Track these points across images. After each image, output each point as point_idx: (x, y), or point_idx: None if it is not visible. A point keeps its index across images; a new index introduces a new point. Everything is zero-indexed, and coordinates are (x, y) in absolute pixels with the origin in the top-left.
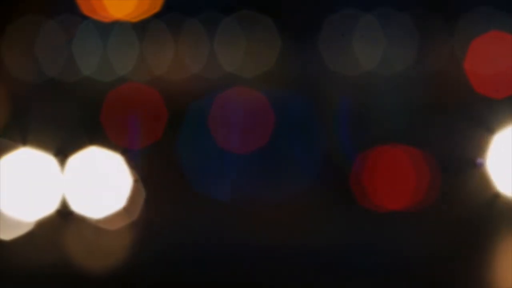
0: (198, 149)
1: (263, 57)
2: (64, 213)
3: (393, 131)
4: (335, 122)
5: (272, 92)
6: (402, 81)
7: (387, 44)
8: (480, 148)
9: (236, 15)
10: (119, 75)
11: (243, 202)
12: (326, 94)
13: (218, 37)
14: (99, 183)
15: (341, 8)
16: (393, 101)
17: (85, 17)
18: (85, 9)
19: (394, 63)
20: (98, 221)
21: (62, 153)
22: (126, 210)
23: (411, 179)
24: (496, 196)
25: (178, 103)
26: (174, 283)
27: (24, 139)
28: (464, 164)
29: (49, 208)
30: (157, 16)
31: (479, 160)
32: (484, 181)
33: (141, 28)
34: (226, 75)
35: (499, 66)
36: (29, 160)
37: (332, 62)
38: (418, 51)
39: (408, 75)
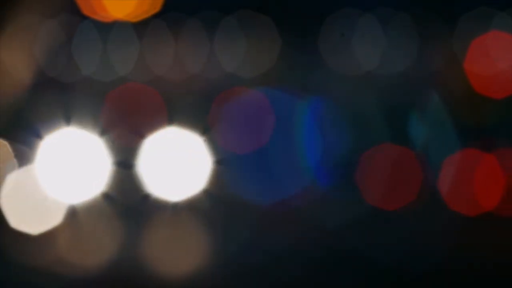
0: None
1: (263, 57)
2: (141, 197)
3: (393, 131)
4: (323, 123)
5: (272, 92)
6: (402, 81)
7: (387, 44)
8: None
9: (236, 15)
10: (119, 75)
11: (243, 202)
12: (326, 94)
13: (218, 37)
14: (178, 165)
15: (341, 8)
16: (393, 101)
17: (85, 17)
18: (85, 9)
19: (394, 63)
20: (177, 205)
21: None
22: (206, 193)
23: (410, 179)
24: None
25: (178, 103)
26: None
27: (67, 120)
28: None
29: (94, 190)
30: (157, 16)
31: None
32: None
33: (141, 28)
34: (226, 75)
35: (499, 66)
36: (73, 141)
37: (332, 62)
38: (418, 51)
39: (408, 75)
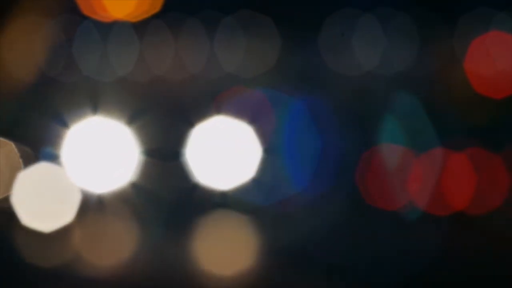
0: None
1: (263, 57)
2: (189, 187)
3: (392, 131)
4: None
5: (273, 92)
6: (402, 81)
7: (387, 44)
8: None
9: (236, 15)
10: (119, 75)
11: (244, 203)
12: (326, 94)
13: (218, 37)
14: (227, 153)
15: (341, 8)
16: (393, 101)
17: (85, 17)
18: (85, 9)
19: (394, 63)
20: (224, 193)
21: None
22: (255, 182)
23: (409, 179)
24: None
25: (178, 103)
26: None
27: (95, 108)
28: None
29: (122, 180)
30: (157, 16)
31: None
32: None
33: (141, 28)
34: (226, 75)
35: (499, 66)
36: (100, 129)
37: (332, 62)
38: (418, 51)
39: (408, 75)
